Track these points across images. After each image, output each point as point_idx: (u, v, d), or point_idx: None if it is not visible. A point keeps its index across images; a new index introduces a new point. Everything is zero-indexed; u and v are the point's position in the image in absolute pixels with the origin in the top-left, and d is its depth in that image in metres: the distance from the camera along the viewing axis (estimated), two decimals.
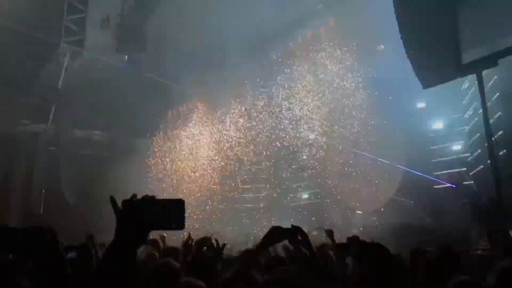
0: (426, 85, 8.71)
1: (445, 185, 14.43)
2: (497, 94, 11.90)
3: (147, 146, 20.80)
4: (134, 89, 18.96)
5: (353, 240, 2.90)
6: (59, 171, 17.83)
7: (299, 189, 20.68)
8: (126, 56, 18.96)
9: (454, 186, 13.38)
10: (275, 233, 3.00)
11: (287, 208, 19.69)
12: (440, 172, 15.25)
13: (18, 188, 18.05)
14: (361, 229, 14.40)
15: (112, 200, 1.50)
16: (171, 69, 18.73)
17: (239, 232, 17.68)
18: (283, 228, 3.02)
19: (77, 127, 19.14)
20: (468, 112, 14.35)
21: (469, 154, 14.47)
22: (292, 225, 2.83)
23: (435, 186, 15.14)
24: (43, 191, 17.61)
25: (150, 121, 18.39)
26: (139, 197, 1.53)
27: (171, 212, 1.54)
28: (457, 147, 15.05)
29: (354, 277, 2.67)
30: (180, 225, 1.54)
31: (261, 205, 20.67)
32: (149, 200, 1.49)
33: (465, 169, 14.50)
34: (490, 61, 6.79)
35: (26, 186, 18.05)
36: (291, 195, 20.85)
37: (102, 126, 19.75)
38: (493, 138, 8.39)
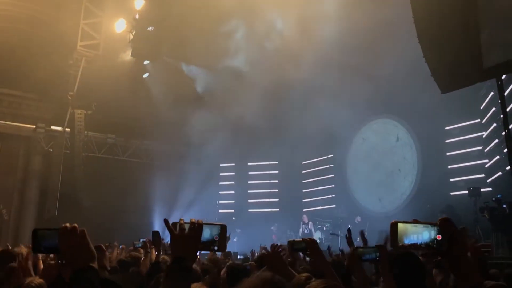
0: (444, 90, 8.57)
1: (462, 192, 14.18)
2: None
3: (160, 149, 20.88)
4: (149, 93, 19.11)
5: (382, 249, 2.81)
6: (74, 174, 17.98)
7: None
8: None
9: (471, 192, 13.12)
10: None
11: None
12: (457, 179, 15.02)
13: (34, 191, 18.26)
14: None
15: (167, 223, 1.73)
16: None
17: None
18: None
19: (92, 130, 19.27)
20: (486, 117, 14.12)
21: (487, 160, 14.23)
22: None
23: (451, 193, 14.92)
24: (58, 194, 17.78)
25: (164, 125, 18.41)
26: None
27: (216, 236, 1.78)
28: (474, 153, 14.80)
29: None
30: (221, 249, 1.80)
31: None
32: (200, 227, 1.72)
33: (483, 175, 14.27)
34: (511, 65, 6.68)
35: (41, 189, 18.25)
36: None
37: (117, 130, 19.86)
38: None
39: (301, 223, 18.01)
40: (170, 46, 18.80)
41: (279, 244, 3.11)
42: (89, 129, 19.09)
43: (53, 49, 16.79)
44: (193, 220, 1.73)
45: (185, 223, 1.72)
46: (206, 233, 1.76)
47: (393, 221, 1.55)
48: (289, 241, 3.15)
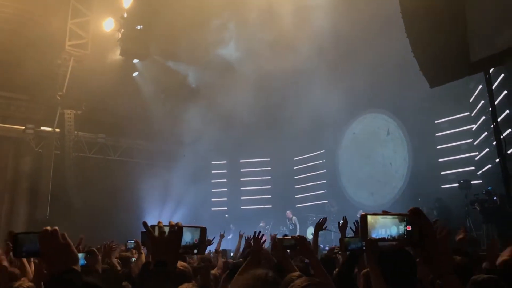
0: (433, 84, 8.60)
1: (453, 185, 14.31)
2: (505, 92, 11.80)
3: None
4: (140, 92, 19.03)
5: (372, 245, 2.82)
6: (65, 174, 17.86)
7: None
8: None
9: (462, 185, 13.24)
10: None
11: None
12: (447, 172, 15.16)
13: (24, 192, 18.13)
14: None
15: (145, 225, 1.71)
16: None
17: None
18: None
19: (82, 130, 19.15)
20: (475, 110, 14.24)
21: (476, 153, 14.36)
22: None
23: (442, 186, 15.06)
24: (49, 194, 17.66)
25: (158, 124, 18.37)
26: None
27: (196, 239, 1.77)
28: (464, 146, 14.93)
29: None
30: (201, 252, 1.82)
31: None
32: (179, 229, 1.69)
33: (473, 168, 14.40)
34: (500, 59, 6.71)
35: (32, 190, 18.12)
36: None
37: (107, 129, 19.75)
38: (501, 137, 8.28)
39: (286, 219, 18.15)
40: (159, 44, 18.72)
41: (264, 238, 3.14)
42: (79, 129, 18.96)
43: (41, 49, 16.62)
44: (172, 223, 1.70)
45: (164, 226, 1.70)
46: (187, 237, 1.74)
47: (362, 213, 1.55)
48: (279, 239, 3.16)
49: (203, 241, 1.77)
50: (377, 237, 1.52)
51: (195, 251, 1.77)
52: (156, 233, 1.67)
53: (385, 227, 1.52)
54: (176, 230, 1.68)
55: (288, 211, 18.40)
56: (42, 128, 18.64)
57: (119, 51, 18.36)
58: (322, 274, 2.79)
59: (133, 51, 18.54)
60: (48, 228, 1.65)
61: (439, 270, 1.48)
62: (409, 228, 1.50)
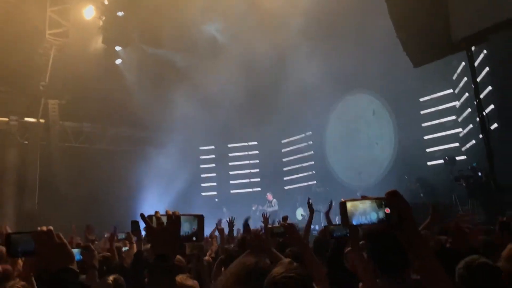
0: (416, 64, 8.71)
1: (438, 162, 14.55)
2: (487, 69, 11.97)
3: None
4: (123, 79, 18.85)
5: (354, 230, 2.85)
6: (52, 165, 17.74)
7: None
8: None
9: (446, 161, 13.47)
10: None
11: None
12: (433, 149, 15.38)
13: (11, 185, 17.97)
14: None
15: (143, 217, 1.66)
16: None
17: None
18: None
19: (67, 119, 18.98)
20: (458, 87, 14.41)
21: (461, 129, 14.58)
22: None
23: (428, 163, 15.29)
24: (37, 186, 17.55)
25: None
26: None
27: (194, 228, 1.74)
28: (448, 123, 15.13)
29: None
30: (199, 239, 1.77)
31: None
32: (178, 219, 1.65)
33: (457, 144, 14.63)
34: (481, 37, 6.81)
35: (19, 182, 17.97)
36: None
37: (92, 118, 19.56)
38: (484, 113, 8.44)
39: (267, 201, 18.36)
40: (142, 31, 18.49)
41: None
42: (64, 119, 18.79)
43: (20, 39, 16.31)
44: (169, 212, 1.65)
45: (162, 215, 1.65)
46: (185, 227, 1.70)
47: (342, 200, 1.56)
48: (269, 228, 3.20)
49: (201, 229, 1.74)
50: (359, 222, 1.54)
51: (194, 238, 1.75)
52: (154, 224, 1.62)
53: (364, 214, 1.54)
54: (175, 220, 1.63)
55: (268, 193, 18.63)
56: (26, 119, 18.41)
57: (101, 38, 18.12)
58: (313, 262, 2.83)
59: (115, 39, 18.30)
60: (44, 228, 1.66)
61: (419, 253, 1.48)
62: (387, 211, 1.51)
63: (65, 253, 1.64)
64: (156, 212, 1.66)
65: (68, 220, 12.18)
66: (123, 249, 6.10)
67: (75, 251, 3.00)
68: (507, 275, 2.73)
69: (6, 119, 17.92)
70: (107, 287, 2.31)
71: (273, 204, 18.14)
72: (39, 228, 1.68)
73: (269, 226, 3.10)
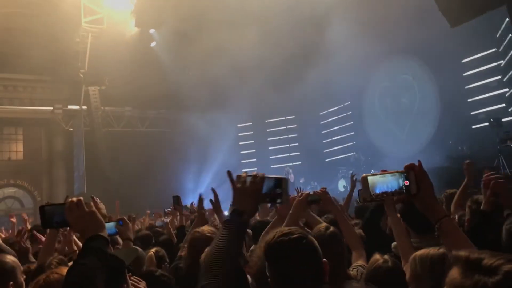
0: (454, 24, 8.34)
1: (483, 124, 13.99)
2: None
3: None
4: (159, 61, 19.05)
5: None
6: (97, 150, 18.34)
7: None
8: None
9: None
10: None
11: None
12: (477, 112, 14.78)
13: (60, 170, 18.77)
14: None
15: (230, 175, 1.74)
16: None
17: None
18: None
19: (109, 105, 19.47)
20: (503, 45, 13.71)
21: (507, 89, 13.92)
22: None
23: (473, 126, 14.73)
24: (84, 170, 18.23)
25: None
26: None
27: (278, 190, 1.76)
28: (493, 83, 14.45)
29: None
30: (284, 201, 1.79)
31: None
32: (261, 180, 1.71)
33: (503, 105, 14.01)
34: None
35: (67, 168, 18.74)
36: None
37: (132, 102, 19.97)
38: None
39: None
40: (174, 10, 18.48)
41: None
42: (106, 104, 19.32)
43: (58, 29, 16.78)
44: (255, 174, 1.73)
45: (248, 175, 1.72)
46: (267, 187, 1.74)
47: (363, 175, 1.68)
48: (305, 195, 3.22)
49: (286, 191, 1.77)
50: (381, 192, 1.66)
51: (278, 200, 1.78)
52: (239, 184, 1.70)
53: (386, 183, 1.66)
54: (258, 180, 1.70)
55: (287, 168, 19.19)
56: (69, 107, 19.05)
57: (134, 22, 18.34)
58: (348, 227, 2.99)
59: (148, 21, 18.47)
60: (74, 199, 1.72)
61: (438, 215, 1.63)
62: (406, 183, 1.62)
63: (95, 221, 1.69)
64: (244, 172, 1.75)
65: (116, 199, 12.68)
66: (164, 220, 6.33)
67: (111, 224, 3.12)
68: None
69: (51, 108, 18.60)
70: (133, 252, 2.40)
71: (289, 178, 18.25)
72: (69, 199, 1.74)
73: (306, 192, 3.14)
